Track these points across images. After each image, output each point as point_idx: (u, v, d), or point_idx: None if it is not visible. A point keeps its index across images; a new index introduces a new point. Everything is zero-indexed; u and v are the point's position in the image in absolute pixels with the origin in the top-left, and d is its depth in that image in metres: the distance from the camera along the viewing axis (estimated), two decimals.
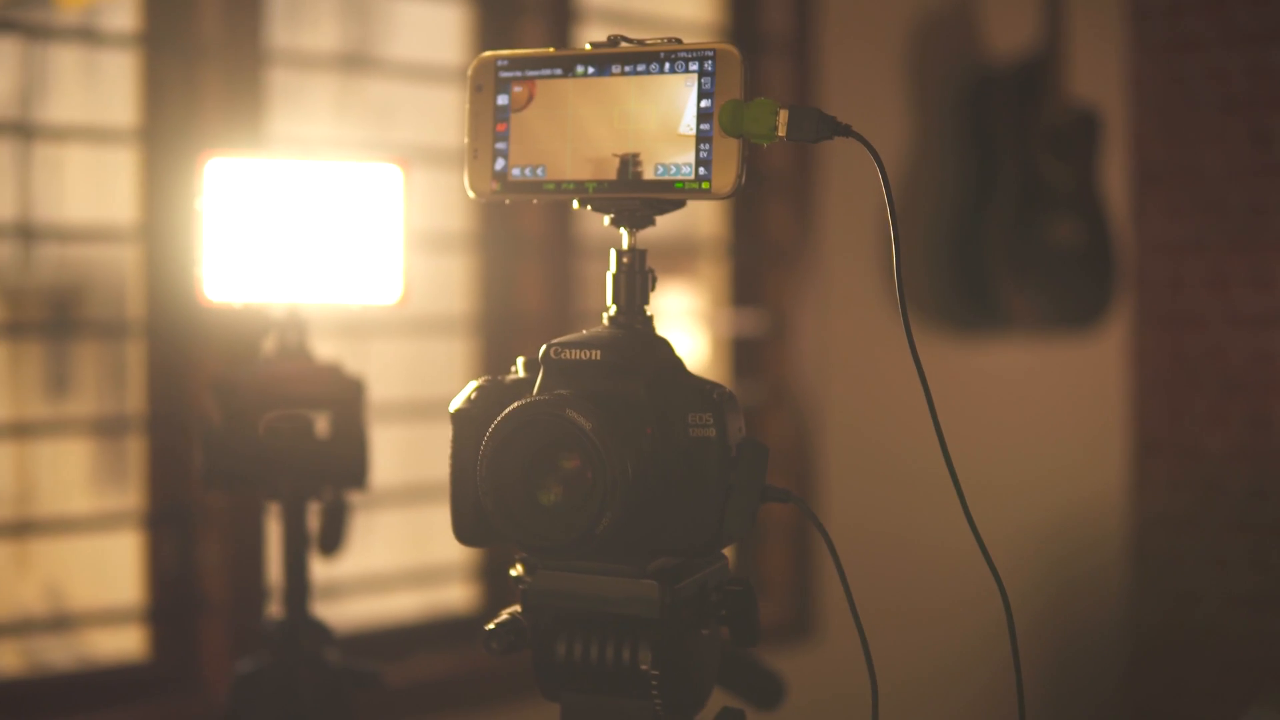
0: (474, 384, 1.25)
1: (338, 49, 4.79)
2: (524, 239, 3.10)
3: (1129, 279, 4.16)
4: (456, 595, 3.19)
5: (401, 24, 4.48)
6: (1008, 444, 3.95)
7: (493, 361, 3.10)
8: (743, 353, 3.59)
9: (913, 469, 3.55)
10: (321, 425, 1.78)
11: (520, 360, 1.26)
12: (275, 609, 1.85)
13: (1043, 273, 3.82)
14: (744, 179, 1.18)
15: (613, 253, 1.25)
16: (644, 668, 1.19)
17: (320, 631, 1.81)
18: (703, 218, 3.61)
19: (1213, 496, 4.13)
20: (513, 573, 1.26)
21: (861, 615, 1.23)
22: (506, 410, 1.16)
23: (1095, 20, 4.11)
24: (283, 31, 2.81)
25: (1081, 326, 3.97)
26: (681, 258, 3.83)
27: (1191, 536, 4.15)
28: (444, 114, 3.22)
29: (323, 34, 4.79)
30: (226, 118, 2.60)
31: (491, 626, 1.22)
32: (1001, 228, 3.74)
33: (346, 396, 1.78)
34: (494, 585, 3.14)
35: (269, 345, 1.81)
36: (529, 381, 1.23)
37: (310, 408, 1.77)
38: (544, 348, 1.20)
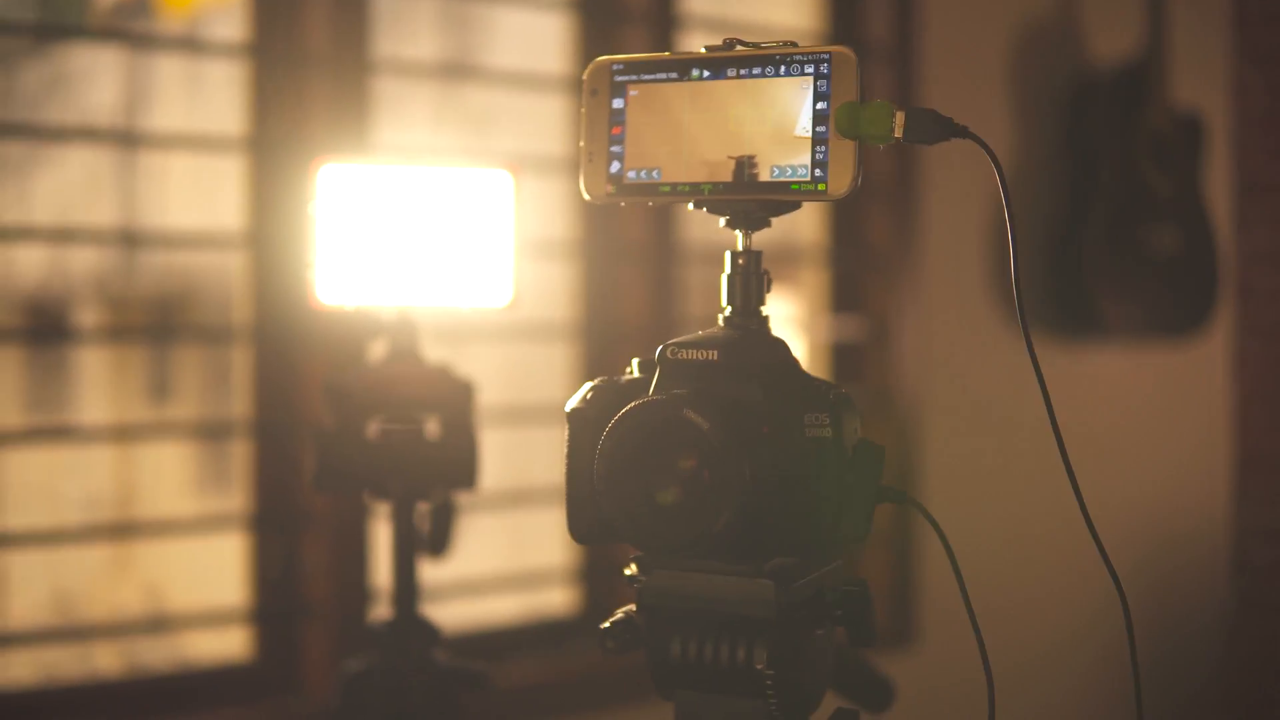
0: (589, 385, 1.26)
1: (440, 57, 4.82)
2: (625, 245, 3.12)
3: (1231, 288, 4.12)
4: (556, 599, 3.21)
5: (503, 32, 4.51)
6: (1107, 452, 3.92)
7: (594, 366, 3.11)
8: (843, 358, 3.58)
9: (1014, 473, 3.54)
10: (432, 427, 1.80)
11: (635, 361, 1.28)
12: (383, 610, 1.87)
13: (1143, 281, 3.79)
14: (860, 180, 1.19)
15: (728, 254, 1.26)
16: (759, 667, 1.20)
17: (429, 632, 1.83)
18: (803, 224, 3.61)
19: None
20: (627, 572, 1.27)
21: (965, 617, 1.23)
22: (623, 410, 1.17)
23: (1197, 26, 4.07)
24: (386, 41, 2.84)
25: (1182, 335, 3.93)
26: (782, 265, 3.83)
27: None
28: (546, 122, 3.24)
29: (424, 43, 4.83)
30: (333, 126, 2.64)
31: (607, 625, 1.22)
32: (1102, 235, 3.71)
33: (456, 399, 1.80)
34: (594, 588, 3.16)
35: (380, 348, 1.84)
36: (644, 382, 1.23)
37: (421, 410, 1.79)
38: (661, 348, 1.21)
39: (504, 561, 3.66)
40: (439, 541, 1.86)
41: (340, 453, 1.77)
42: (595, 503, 1.21)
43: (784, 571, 1.21)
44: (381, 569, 2.75)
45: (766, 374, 1.20)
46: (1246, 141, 4.20)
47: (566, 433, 1.25)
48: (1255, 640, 4.15)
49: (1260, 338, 4.17)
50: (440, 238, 1.78)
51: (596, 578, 3.15)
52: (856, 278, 3.56)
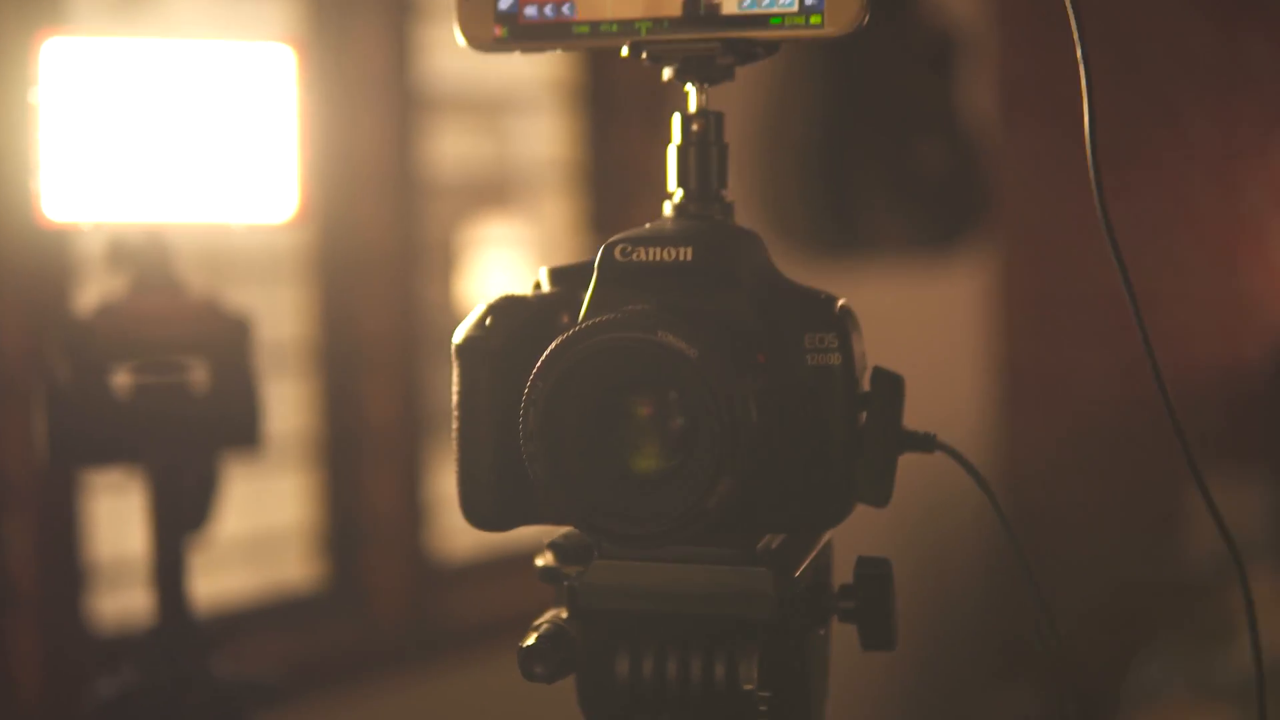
0: (485, 305, 0.90)
1: None
2: (361, 161, 2.71)
3: (996, 201, 3.92)
4: (295, 571, 2.80)
5: None
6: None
7: (327, 304, 2.71)
8: None
9: None
10: (199, 375, 1.42)
11: (544, 270, 0.92)
12: (103, 597, 1.47)
13: (909, 194, 3.58)
14: (869, 12, 0.85)
15: (678, 119, 0.91)
16: (748, 688, 0.86)
17: (203, 637, 1.44)
18: (533, 140, 3.22)
19: (1082, 428, 3.93)
20: (540, 563, 0.92)
21: None
22: (564, 336, 0.81)
23: None
24: None
25: (949, 249, 3.74)
26: (497, 190, 3.46)
27: (1060, 471, 3.94)
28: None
29: None
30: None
31: (531, 642, 0.87)
32: (869, 148, 3.49)
33: (229, 339, 1.42)
34: (340, 560, 2.76)
35: (125, 278, 1.43)
36: (567, 298, 0.89)
37: (184, 354, 1.40)
38: (604, 247, 0.85)
39: (231, 528, 3.23)
40: (198, 514, 1.48)
41: (81, 414, 1.38)
42: (507, 473, 0.86)
43: (781, 554, 0.87)
44: (100, 546, 2.34)
45: (752, 280, 0.86)
46: (1010, 51, 4.02)
47: (455, 375, 0.89)
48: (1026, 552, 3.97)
49: (1025, 250, 4.00)
50: (202, 135, 1.39)
51: (343, 547, 2.76)
52: (614, 201, 3.21)
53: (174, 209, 1.39)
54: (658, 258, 0.84)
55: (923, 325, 3.87)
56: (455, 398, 0.89)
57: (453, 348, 0.89)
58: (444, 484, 2.81)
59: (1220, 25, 3.87)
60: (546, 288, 0.91)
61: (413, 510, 2.76)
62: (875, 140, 3.50)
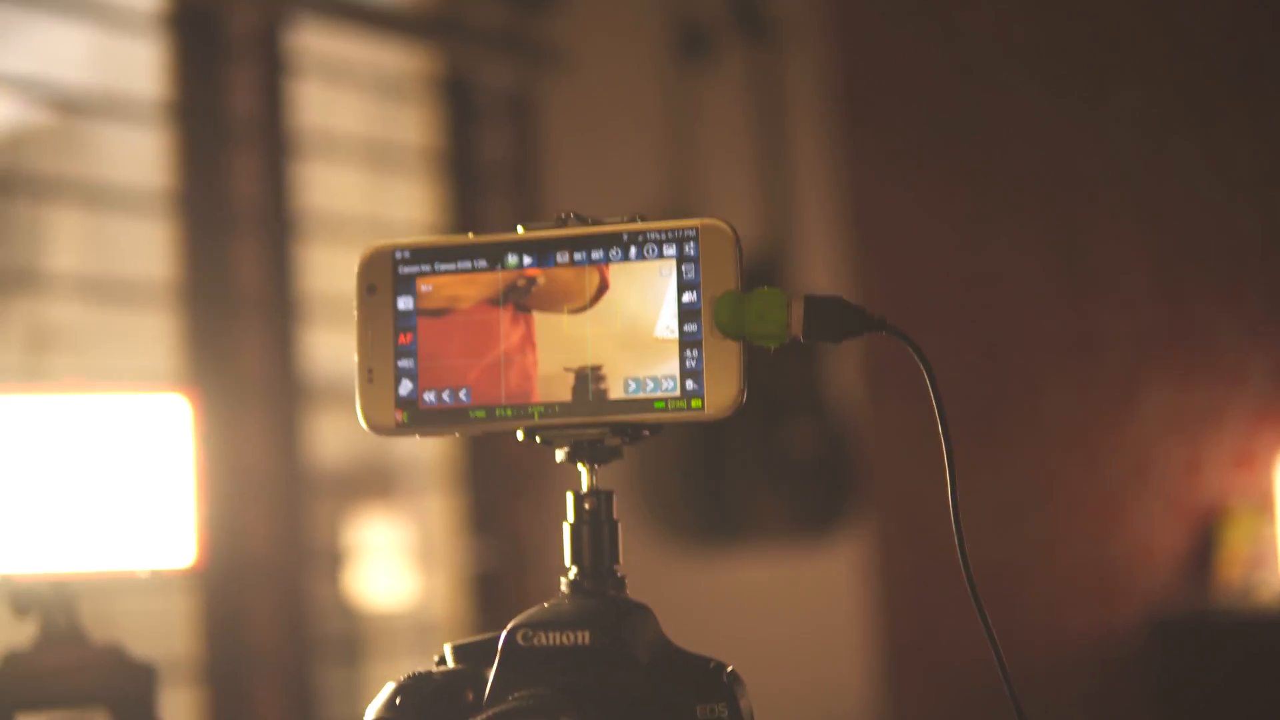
0: (393, 685, 0.94)
1: None
2: (240, 296, 2.77)
3: (868, 480, 4.00)
4: None
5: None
6: (755, 658, 3.69)
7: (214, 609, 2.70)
8: (484, 590, 3.24)
9: None
10: None
11: (448, 647, 0.97)
12: None
13: (783, 478, 3.65)
14: (745, 394, 0.91)
15: (571, 499, 0.96)
16: None
17: None
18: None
19: (966, 705, 3.96)
20: None
21: None
22: None
23: (822, 215, 4.00)
24: None
25: (825, 530, 3.81)
26: (372, 484, 3.49)
27: None
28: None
29: None
30: None
31: None
32: (741, 434, 3.57)
33: (135, 688, 1.43)
34: None
35: (29, 629, 1.45)
36: (471, 675, 0.93)
37: (89, 705, 1.42)
38: (507, 632, 0.90)
39: None
40: None
41: None
42: None
43: None
44: None
45: (647, 657, 0.91)
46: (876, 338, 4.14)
47: None
48: None
49: (899, 529, 4.06)
50: (101, 485, 1.42)
51: None
52: (495, 496, 3.24)
53: (75, 559, 1.42)
54: (556, 642, 0.89)
55: (803, 607, 3.91)
56: None
57: None
58: None
59: (1071, 299, 4.01)
60: (450, 663, 0.95)
61: None
62: (745, 425, 3.57)
